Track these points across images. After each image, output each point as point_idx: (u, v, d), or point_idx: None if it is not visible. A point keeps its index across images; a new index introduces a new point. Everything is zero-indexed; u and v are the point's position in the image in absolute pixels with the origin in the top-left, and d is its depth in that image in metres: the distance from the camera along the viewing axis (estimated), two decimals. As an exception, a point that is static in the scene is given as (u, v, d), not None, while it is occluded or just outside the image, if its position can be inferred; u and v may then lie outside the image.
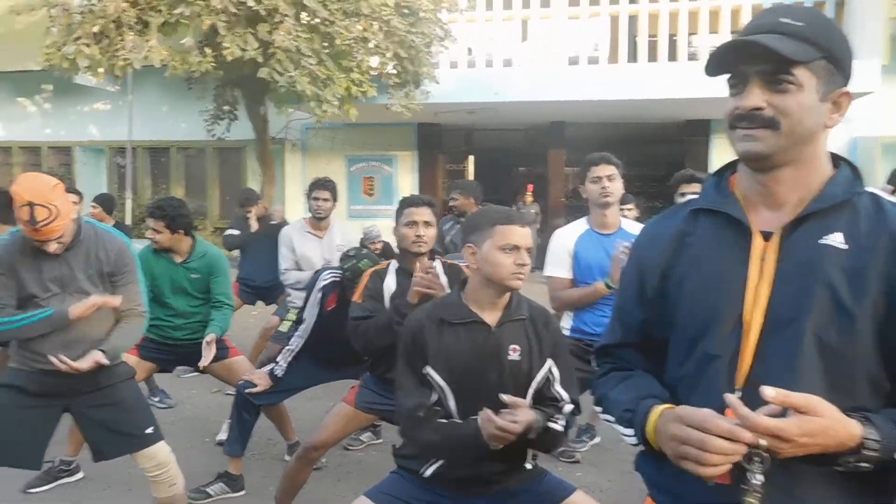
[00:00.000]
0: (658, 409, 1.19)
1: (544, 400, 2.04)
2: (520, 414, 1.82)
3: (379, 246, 7.29)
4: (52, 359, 2.49)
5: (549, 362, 2.06)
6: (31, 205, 2.42)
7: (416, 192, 11.33)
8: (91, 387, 2.69)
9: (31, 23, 9.94)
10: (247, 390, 3.45)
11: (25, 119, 13.73)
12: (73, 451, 3.71)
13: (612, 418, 1.33)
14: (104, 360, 2.57)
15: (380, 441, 4.35)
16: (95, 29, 7.96)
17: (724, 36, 9.48)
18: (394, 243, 3.18)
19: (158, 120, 12.50)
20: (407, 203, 2.91)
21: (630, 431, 1.26)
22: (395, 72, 8.76)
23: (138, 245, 3.26)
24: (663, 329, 1.29)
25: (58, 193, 2.50)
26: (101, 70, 8.27)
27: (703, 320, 1.21)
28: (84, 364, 2.53)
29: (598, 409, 1.40)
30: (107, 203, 5.99)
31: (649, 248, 1.35)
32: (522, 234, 2.02)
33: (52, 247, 2.55)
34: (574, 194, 11.45)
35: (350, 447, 4.20)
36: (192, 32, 8.08)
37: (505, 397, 1.84)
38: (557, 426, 1.96)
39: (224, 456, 3.66)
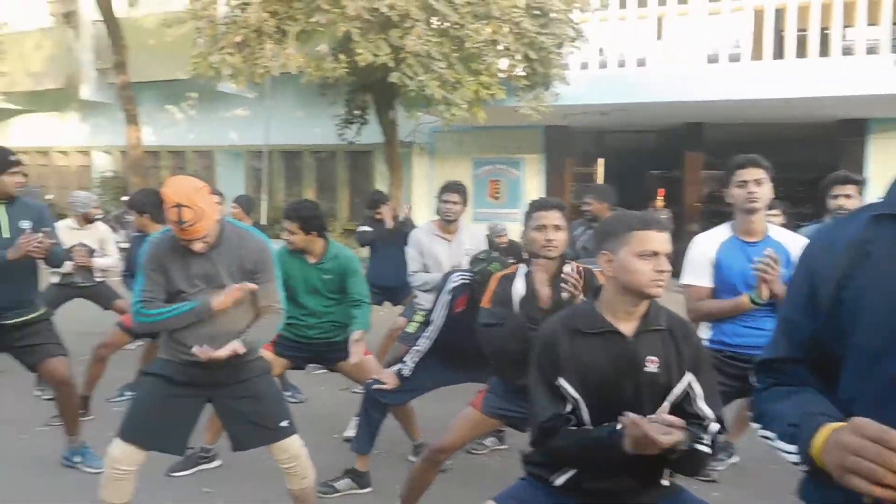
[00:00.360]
0: (829, 426, 1.10)
1: (684, 417, 1.96)
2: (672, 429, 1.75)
3: (504, 240, 7.29)
4: (195, 349, 2.66)
5: (690, 377, 1.98)
6: (178, 206, 2.58)
7: (544, 196, 11.25)
8: (232, 380, 2.85)
9: (179, 35, 10.73)
10: (375, 389, 3.55)
11: (173, 125, 14.83)
12: (212, 439, 3.95)
13: (772, 435, 1.25)
14: (241, 349, 2.69)
15: (504, 447, 4.34)
16: (238, 39, 8.49)
17: (885, 28, 8.79)
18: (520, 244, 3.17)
19: (293, 125, 13.12)
20: (536, 206, 2.89)
21: (792, 448, 1.17)
22: (524, 74, 8.75)
23: (273, 245, 3.42)
24: (837, 344, 1.20)
25: (203, 195, 2.65)
26: (242, 78, 8.81)
27: (888, 336, 1.12)
28: (222, 353, 2.65)
29: (757, 425, 1.32)
30: (246, 204, 6.35)
31: (822, 256, 1.26)
32: (661, 240, 1.96)
33: (198, 246, 2.70)
34: (710, 199, 10.99)
35: (474, 451, 4.22)
36: (326, 39, 8.45)
37: (659, 416, 1.78)
38: (703, 447, 1.88)
39: (351, 452, 3.78)
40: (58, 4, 16.24)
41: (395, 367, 3.61)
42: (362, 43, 7.83)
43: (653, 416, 1.79)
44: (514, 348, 2.71)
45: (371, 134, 10.87)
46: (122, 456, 2.74)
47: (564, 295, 2.64)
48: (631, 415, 1.77)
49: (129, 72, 12.81)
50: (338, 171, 13.56)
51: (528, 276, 2.88)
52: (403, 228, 5.79)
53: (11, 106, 16.48)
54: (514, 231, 7.82)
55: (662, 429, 1.74)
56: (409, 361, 3.51)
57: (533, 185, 11.96)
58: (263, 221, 11.32)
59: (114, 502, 2.76)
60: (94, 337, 5.01)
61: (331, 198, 13.42)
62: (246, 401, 2.87)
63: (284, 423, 2.90)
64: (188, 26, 9.42)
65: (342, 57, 8.24)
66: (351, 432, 4.31)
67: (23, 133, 16.50)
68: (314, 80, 8.67)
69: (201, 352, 2.62)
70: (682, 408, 1.97)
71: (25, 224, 3.57)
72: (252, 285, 2.75)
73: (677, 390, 1.97)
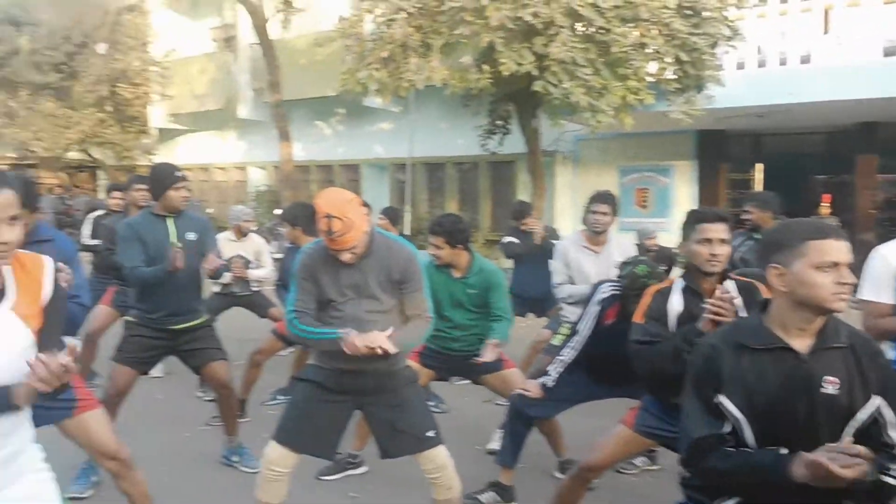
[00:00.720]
0: None
1: (869, 444, 1.78)
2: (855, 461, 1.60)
3: (655, 243, 7.05)
4: (346, 338, 2.66)
5: (878, 401, 1.80)
6: (329, 217, 2.67)
7: (696, 205, 10.79)
8: (381, 388, 2.92)
9: (328, 53, 11.26)
10: (520, 400, 3.52)
11: (321, 140, 15.59)
12: (359, 445, 4.07)
13: None
14: (389, 346, 2.68)
15: (656, 467, 4.18)
16: (384, 54, 8.79)
17: None
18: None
19: (436, 137, 13.39)
20: (699, 218, 2.75)
21: None
22: (675, 77, 8.45)
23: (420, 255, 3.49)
24: None
25: (353, 207, 2.73)
26: (387, 92, 9.12)
27: None
28: (366, 344, 2.64)
29: None
30: (393, 215, 6.54)
31: None
32: (841, 249, 1.79)
33: (346, 256, 2.79)
34: (887, 205, 10.09)
35: (624, 471, 4.09)
36: (470, 51, 8.57)
37: (842, 445, 1.64)
38: (891, 479, 1.70)
39: (494, 465, 3.77)
40: (219, 30, 17.59)
41: (539, 379, 3.57)
42: (506, 52, 7.87)
43: (835, 444, 1.65)
44: (668, 370, 2.59)
45: (513, 144, 10.89)
46: (277, 458, 2.87)
47: (703, 322, 2.49)
48: (809, 455, 1.63)
49: (282, 91, 13.61)
50: (480, 181, 13.70)
51: (687, 292, 2.75)
52: (546, 244, 5.74)
53: (177, 126, 17.98)
54: (663, 241, 7.54)
55: (845, 460, 1.59)
56: (553, 372, 3.46)
57: (684, 193, 11.50)
58: (407, 232, 11.62)
59: (269, 502, 2.90)
60: (250, 343, 5.32)
61: (473, 209, 13.57)
62: (394, 409, 2.93)
63: (431, 433, 2.93)
64: (337, 44, 9.86)
65: (485, 67, 8.33)
66: (494, 445, 4.32)
67: (187, 151, 17.95)
68: (457, 92, 8.82)
69: (348, 343, 2.67)
70: (867, 434, 1.79)
71: (191, 236, 3.86)
72: (392, 348, 2.68)
73: (862, 416, 1.79)
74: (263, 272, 5.96)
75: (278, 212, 12.77)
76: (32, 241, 2.72)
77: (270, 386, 5.44)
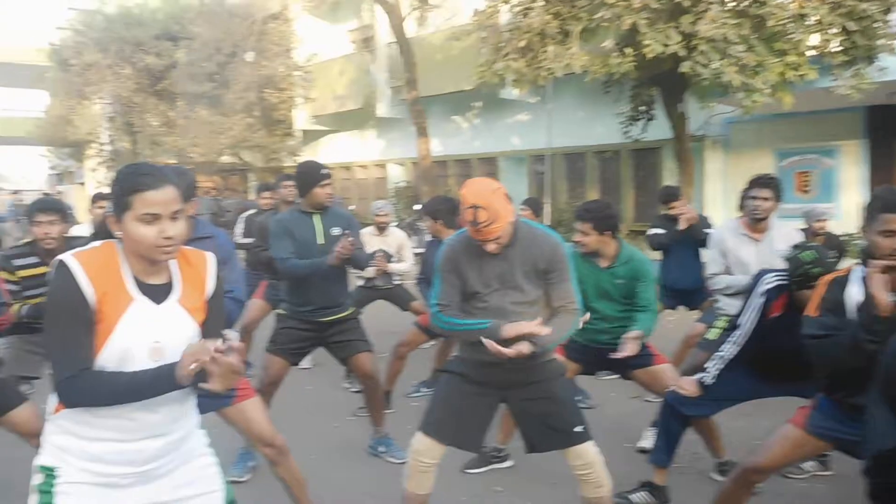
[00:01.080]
0: None
1: None
2: None
3: (824, 225, 6.55)
4: (486, 341, 2.69)
5: None
6: (475, 207, 2.67)
7: (866, 189, 9.96)
8: (527, 380, 2.88)
9: (464, 48, 11.37)
10: (675, 398, 3.37)
11: (458, 135, 15.75)
12: (504, 439, 4.06)
13: None
14: (527, 350, 2.67)
15: (829, 473, 3.87)
16: (522, 44, 8.74)
17: None
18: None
19: (575, 126, 13.18)
20: (884, 206, 2.44)
21: None
22: (840, 49, 7.81)
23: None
24: None
25: (499, 197, 2.71)
26: (525, 82, 9.06)
27: None
28: (509, 352, 2.66)
29: None
30: (535, 206, 6.55)
31: None
32: None
33: (491, 247, 2.77)
34: None
35: (792, 475, 3.82)
36: (611, 35, 8.35)
37: None
38: None
39: (645, 464, 3.65)
40: (357, 32, 18.20)
41: (697, 376, 3.39)
42: (650, 34, 7.60)
43: None
44: (850, 363, 2.37)
45: (658, 130, 10.51)
46: (424, 449, 2.90)
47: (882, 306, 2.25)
48: None
49: (419, 87, 13.87)
50: (622, 170, 13.34)
51: (866, 280, 2.51)
52: (696, 232, 5.46)
53: (320, 127, 18.79)
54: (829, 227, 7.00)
55: None
56: (713, 368, 3.28)
57: (851, 175, 10.63)
58: (547, 224, 11.50)
59: (416, 492, 2.93)
60: (393, 336, 5.45)
61: (615, 198, 13.23)
62: (540, 402, 2.88)
63: (579, 429, 2.86)
64: (473, 37, 9.92)
65: (628, 51, 8.09)
66: (645, 443, 4.18)
67: (329, 151, 18.72)
68: (598, 78, 8.62)
69: (490, 343, 2.67)
70: None
71: (336, 231, 3.98)
72: (545, 329, 2.71)
73: None
74: (404, 266, 6.08)
75: (417, 207, 13.05)
76: (194, 238, 2.89)
77: (414, 378, 5.54)
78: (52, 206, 3.92)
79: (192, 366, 1.67)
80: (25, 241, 3.99)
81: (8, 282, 3.72)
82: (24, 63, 30.37)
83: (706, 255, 4.56)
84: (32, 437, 2.75)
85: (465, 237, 2.84)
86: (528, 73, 8.83)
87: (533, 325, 2.66)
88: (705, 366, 3.34)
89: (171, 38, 18.20)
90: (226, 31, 17.32)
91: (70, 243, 3.65)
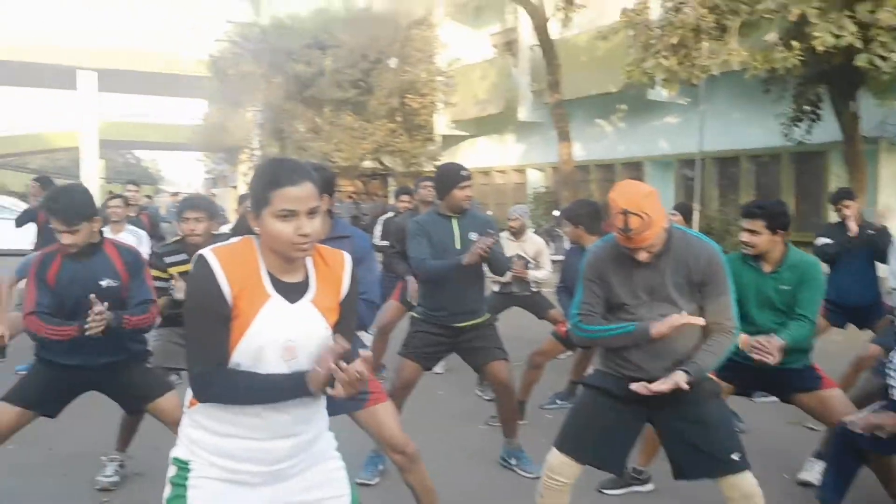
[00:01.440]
0: None
1: None
2: None
3: None
4: (633, 386, 2.57)
5: None
6: (625, 212, 2.51)
7: None
8: (676, 399, 2.67)
9: (610, 48, 11.09)
10: (851, 430, 3.02)
11: (601, 139, 15.42)
12: (646, 461, 3.83)
13: None
14: (684, 384, 2.52)
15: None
16: (674, 41, 8.40)
17: None
18: None
19: (728, 128, 12.57)
20: None
21: None
22: None
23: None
24: None
25: (652, 202, 2.54)
26: (675, 82, 8.69)
27: None
28: (664, 386, 2.53)
29: None
30: (686, 212, 6.27)
31: None
32: None
33: (642, 255, 2.61)
34: None
35: None
36: (775, 27, 7.85)
37: None
38: None
39: (805, 498, 3.39)
40: (499, 36, 18.26)
41: (874, 406, 3.03)
42: (821, 24, 7.05)
43: None
44: None
45: (824, 131, 9.79)
46: (559, 466, 2.77)
47: None
48: None
49: (562, 90, 13.69)
50: (782, 176, 12.54)
51: None
52: (869, 241, 4.96)
53: (459, 132, 19.01)
54: None
55: None
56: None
57: None
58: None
59: (548, 511, 2.81)
60: (528, 344, 5.32)
61: (772, 207, 12.46)
62: (692, 425, 2.68)
63: (735, 456, 2.62)
64: (620, 36, 9.66)
65: (794, 44, 7.54)
66: (807, 475, 3.85)
67: (468, 156, 18.86)
68: (758, 75, 8.12)
69: (640, 387, 2.54)
70: None
71: (473, 236, 3.91)
72: (699, 319, 2.57)
73: None
74: (543, 273, 5.96)
75: (556, 213, 12.86)
76: (332, 238, 2.90)
77: (549, 389, 5.39)
78: (200, 204, 4.11)
79: (324, 376, 1.66)
80: (175, 239, 4.20)
81: (159, 279, 3.92)
82: (185, 74, 33.07)
83: (883, 268, 4.11)
84: (175, 425, 2.87)
85: (612, 244, 2.69)
86: (680, 71, 8.47)
87: (686, 316, 2.52)
88: (893, 394, 2.97)
89: (320, 47, 19.00)
90: (371, 38, 17.88)
91: (214, 240, 3.81)
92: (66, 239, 3.18)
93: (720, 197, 13.42)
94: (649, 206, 2.51)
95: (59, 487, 3.86)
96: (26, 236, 6.87)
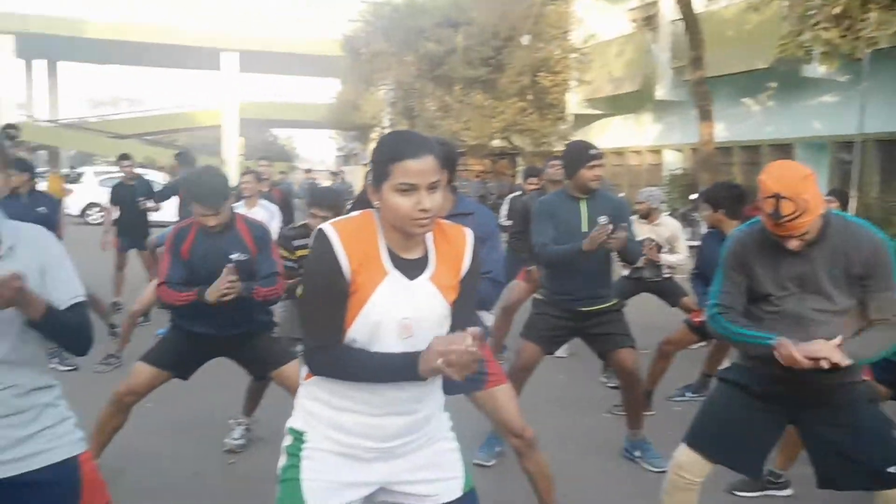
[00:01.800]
0: None
1: None
2: None
3: None
4: (775, 341, 2.33)
5: None
6: (777, 197, 2.31)
7: None
8: (824, 402, 2.48)
9: (759, 22, 10.44)
10: None
11: (746, 119, 14.64)
12: (785, 464, 3.62)
13: None
14: (842, 360, 2.24)
15: None
16: (836, 10, 7.78)
17: None
18: None
19: (894, 108, 11.60)
20: None
21: None
22: None
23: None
24: None
25: (809, 185, 2.33)
26: (835, 57, 8.08)
27: None
28: (808, 361, 2.26)
29: None
30: (842, 197, 5.88)
31: None
32: None
33: (794, 244, 2.40)
34: None
35: None
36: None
37: None
38: None
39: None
40: (639, 10, 17.65)
41: None
42: None
43: None
44: None
45: None
46: (689, 463, 2.63)
47: None
48: None
49: (705, 67, 13.06)
50: (953, 162, 11.48)
51: None
52: None
53: (593, 111, 18.61)
54: None
55: None
56: None
57: None
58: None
59: (674, 510, 2.68)
60: (658, 331, 5.14)
61: (943, 196, 11.46)
62: (841, 430, 2.47)
63: (894, 469, 2.38)
64: (773, 7, 9.08)
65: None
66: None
67: (601, 135, 18.45)
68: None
69: (783, 354, 2.31)
70: None
71: (602, 219, 3.77)
72: (848, 361, 2.25)
73: None
74: (677, 258, 5.73)
75: (694, 196, 12.33)
76: (454, 214, 2.87)
77: (679, 381, 5.17)
78: (328, 202, 4.07)
79: (439, 361, 1.61)
80: (304, 223, 4.30)
81: (287, 259, 4.05)
82: (318, 54, 34.18)
83: None
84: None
85: (758, 230, 2.50)
86: (842, 44, 7.84)
87: (834, 349, 2.25)
88: None
89: (452, 25, 19.08)
90: (503, 15, 17.76)
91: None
92: (210, 221, 3.35)
93: (881, 183, 12.44)
94: (806, 191, 2.30)
95: (190, 448, 4.09)
96: (170, 210, 7.30)
